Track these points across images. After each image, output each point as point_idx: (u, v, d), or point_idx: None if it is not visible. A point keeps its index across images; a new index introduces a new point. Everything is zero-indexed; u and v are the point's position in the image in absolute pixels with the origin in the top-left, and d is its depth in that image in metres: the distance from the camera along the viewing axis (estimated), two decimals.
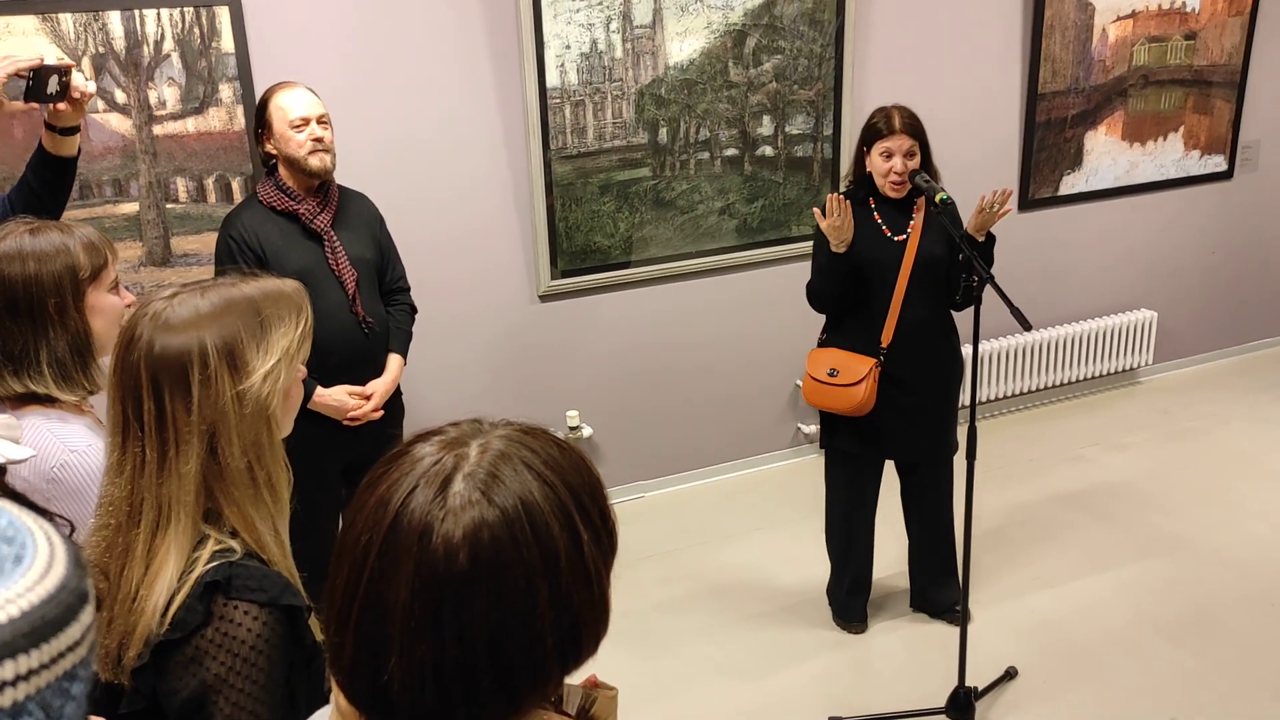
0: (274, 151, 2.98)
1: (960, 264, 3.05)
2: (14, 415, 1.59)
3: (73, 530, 0.95)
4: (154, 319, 1.30)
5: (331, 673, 0.96)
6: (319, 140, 2.94)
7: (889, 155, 3.14)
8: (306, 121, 2.93)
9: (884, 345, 3.27)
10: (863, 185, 3.27)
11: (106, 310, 1.74)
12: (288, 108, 2.94)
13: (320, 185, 3.03)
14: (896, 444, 3.39)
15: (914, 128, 3.14)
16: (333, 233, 3.03)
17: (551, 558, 0.89)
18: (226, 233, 3.00)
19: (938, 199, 2.99)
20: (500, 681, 0.89)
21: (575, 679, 1.06)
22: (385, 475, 0.93)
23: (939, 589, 3.58)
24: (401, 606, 0.87)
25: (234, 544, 1.31)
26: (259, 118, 2.99)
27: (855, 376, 3.25)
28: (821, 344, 3.44)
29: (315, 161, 2.94)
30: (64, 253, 1.68)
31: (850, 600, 3.61)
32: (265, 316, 1.33)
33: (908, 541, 3.62)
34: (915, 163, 3.14)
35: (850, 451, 3.43)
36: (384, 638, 0.88)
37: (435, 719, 0.89)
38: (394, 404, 3.19)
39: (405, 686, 0.88)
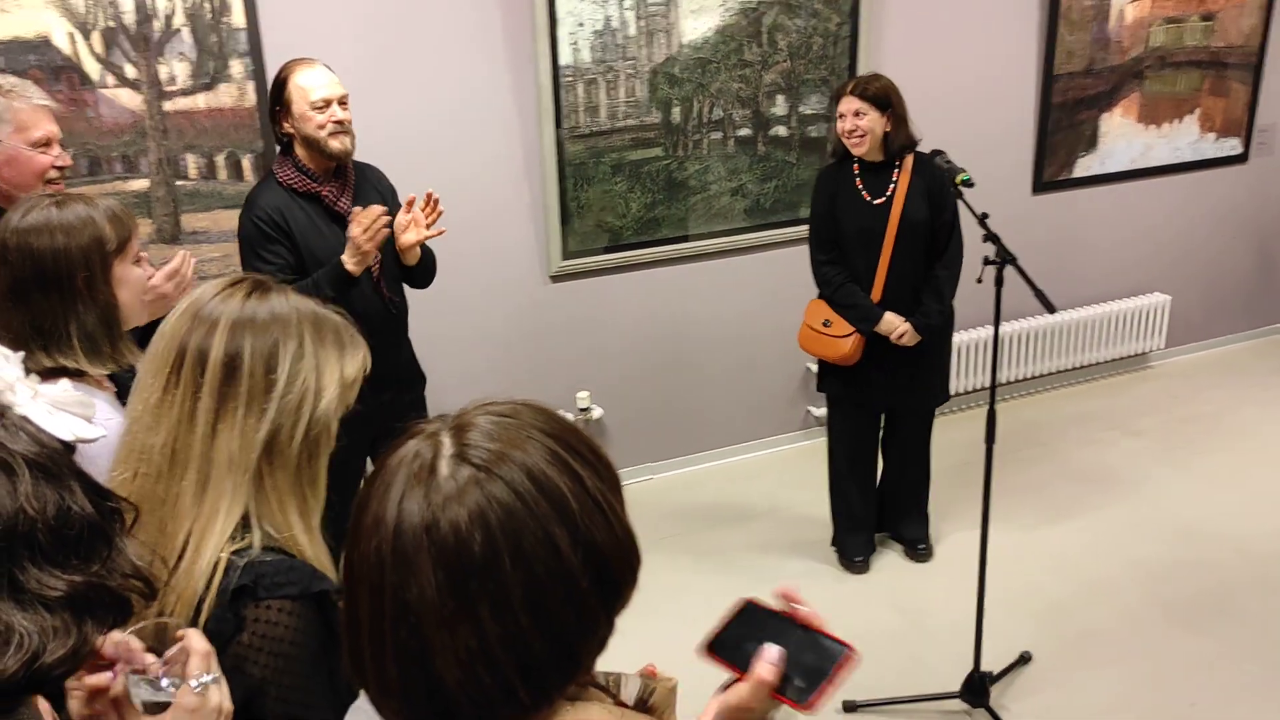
0: (291, 131, 2.91)
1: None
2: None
3: (137, 516, 0.93)
4: (251, 284, 1.32)
5: (383, 714, 0.93)
6: (339, 122, 2.87)
7: (841, 116, 3.41)
8: (328, 103, 2.85)
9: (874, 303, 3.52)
10: (840, 150, 3.54)
11: (132, 282, 1.72)
12: (309, 88, 2.85)
13: (338, 165, 2.98)
14: (885, 394, 3.65)
15: (868, 92, 3.36)
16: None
17: (561, 504, 0.88)
18: (252, 215, 2.90)
19: (958, 180, 3.01)
20: (552, 641, 0.88)
21: (630, 667, 1.04)
22: (371, 494, 0.92)
23: (909, 524, 3.87)
24: (431, 604, 0.86)
25: (252, 538, 1.28)
26: (276, 96, 2.90)
27: (845, 329, 3.53)
28: (821, 295, 3.69)
29: (336, 144, 2.88)
30: (90, 225, 1.65)
31: (848, 538, 3.83)
32: (344, 342, 1.36)
33: (881, 473, 3.88)
34: (867, 122, 3.37)
35: (838, 396, 3.71)
36: (425, 640, 0.86)
37: (500, 704, 0.88)
38: (414, 372, 3.27)
39: (460, 680, 0.86)
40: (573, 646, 0.90)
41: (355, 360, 1.36)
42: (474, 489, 0.87)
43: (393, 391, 3.10)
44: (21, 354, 0.88)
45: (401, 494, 0.88)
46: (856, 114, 3.37)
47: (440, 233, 3.01)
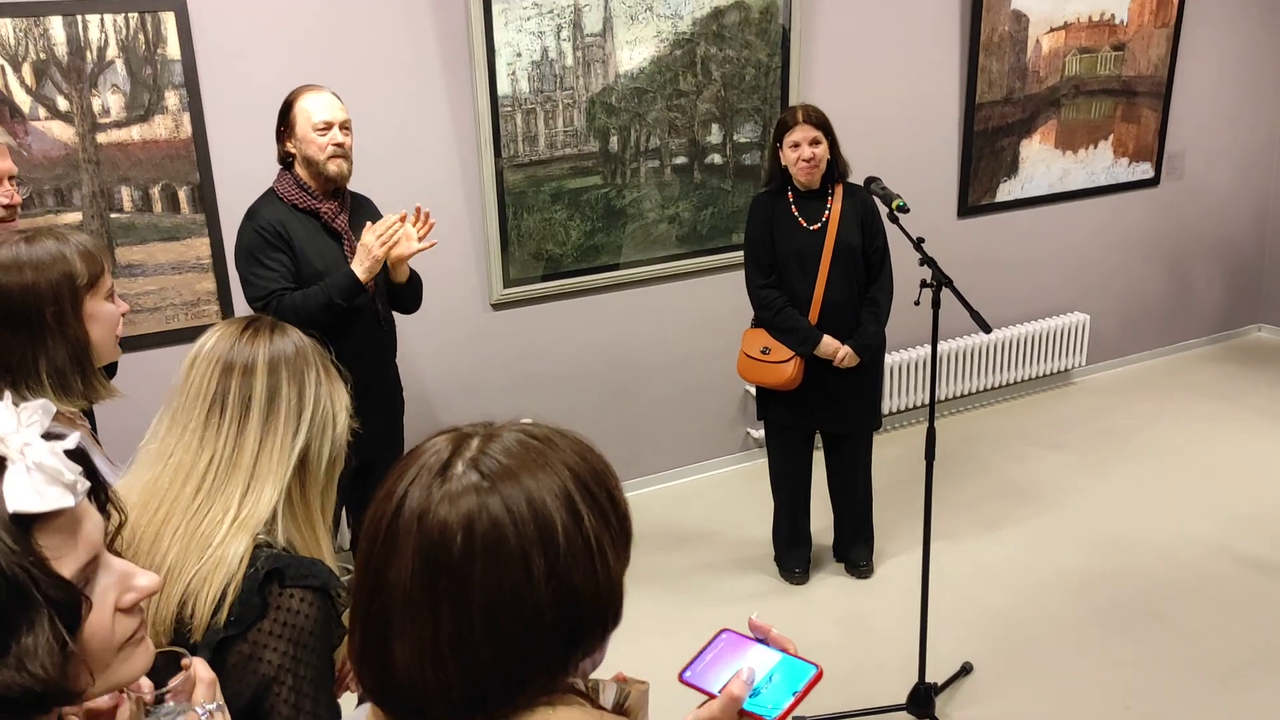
0: (293, 151, 3.03)
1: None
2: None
3: (123, 522, 0.92)
4: (270, 323, 1.48)
5: (350, 664, 0.98)
6: (339, 145, 3.01)
7: (796, 145, 3.45)
8: (330, 126, 2.99)
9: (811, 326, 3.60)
10: (776, 179, 3.59)
11: (104, 318, 1.70)
12: (312, 110, 2.99)
13: (335, 188, 3.09)
14: (822, 416, 3.73)
15: (817, 119, 3.46)
16: (351, 233, 3.10)
17: (548, 533, 0.90)
18: (255, 225, 3.02)
19: (894, 205, 3.10)
20: (500, 655, 0.89)
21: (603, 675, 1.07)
22: (395, 469, 0.96)
23: (855, 549, 3.97)
24: (402, 588, 0.90)
25: (275, 534, 1.38)
26: (282, 117, 3.04)
27: (785, 354, 3.60)
28: (755, 324, 3.74)
29: (333, 166, 3.01)
30: (61, 260, 1.64)
31: (788, 551, 3.94)
32: (335, 370, 1.51)
33: (832, 507, 3.97)
34: (822, 150, 3.45)
35: (781, 423, 3.75)
36: (388, 620, 0.90)
37: (434, 699, 0.90)
38: (398, 396, 3.38)
39: (406, 668, 0.90)
40: (519, 670, 0.91)
41: (345, 392, 1.49)
42: (471, 495, 0.90)
43: (384, 417, 3.24)
44: (38, 404, 0.86)
45: (413, 479, 0.92)
46: (814, 142, 3.44)
47: (432, 244, 3.13)
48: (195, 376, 1.42)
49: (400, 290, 3.22)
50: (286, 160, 3.07)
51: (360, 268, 2.97)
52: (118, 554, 0.94)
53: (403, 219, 3.06)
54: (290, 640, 1.30)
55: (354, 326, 3.08)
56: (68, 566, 0.82)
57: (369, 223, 3.02)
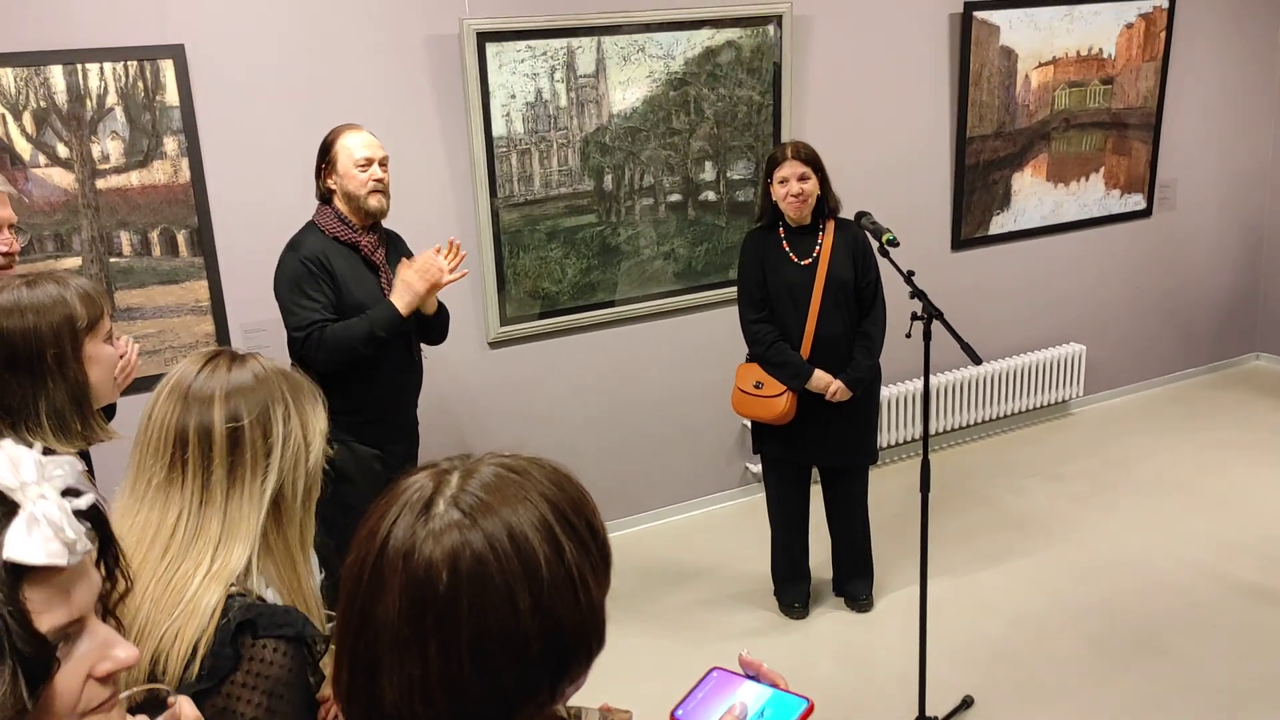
0: (333, 187, 3.12)
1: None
2: None
3: (128, 589, 0.92)
4: (229, 355, 1.42)
5: (337, 703, 0.98)
6: (379, 180, 3.11)
7: (785, 181, 3.51)
8: (370, 162, 3.10)
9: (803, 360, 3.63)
10: (768, 215, 3.65)
11: (103, 360, 1.73)
12: (353, 148, 3.10)
13: (374, 222, 3.18)
14: (817, 450, 3.75)
15: (806, 155, 3.53)
16: (388, 267, 3.20)
17: (531, 566, 0.91)
18: (299, 256, 3.09)
19: (884, 239, 3.13)
20: (489, 689, 0.91)
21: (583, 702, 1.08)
22: (376, 508, 0.97)
23: (854, 583, 3.97)
24: (390, 626, 0.90)
25: (250, 584, 1.35)
26: (323, 154, 3.15)
27: (778, 389, 3.62)
28: (749, 359, 3.77)
29: (374, 201, 3.11)
30: (61, 304, 1.67)
31: (787, 586, 3.94)
32: (315, 398, 1.46)
33: (831, 540, 3.98)
34: (811, 185, 3.51)
35: (775, 457, 3.77)
36: (376, 658, 0.91)
37: None
38: (417, 431, 3.44)
39: (395, 705, 0.91)
40: (508, 702, 0.92)
41: (323, 414, 1.45)
42: (454, 532, 0.91)
43: (404, 444, 3.33)
44: (66, 459, 0.85)
45: (396, 518, 0.93)
46: (802, 178, 3.50)
47: (464, 274, 3.22)
48: (153, 430, 1.37)
49: (429, 321, 3.29)
50: (325, 196, 3.16)
51: (400, 301, 3.07)
52: (118, 620, 0.94)
53: (436, 251, 3.14)
54: (264, 692, 1.27)
55: (390, 358, 3.17)
56: (47, 623, 0.82)
57: (404, 259, 3.14)
